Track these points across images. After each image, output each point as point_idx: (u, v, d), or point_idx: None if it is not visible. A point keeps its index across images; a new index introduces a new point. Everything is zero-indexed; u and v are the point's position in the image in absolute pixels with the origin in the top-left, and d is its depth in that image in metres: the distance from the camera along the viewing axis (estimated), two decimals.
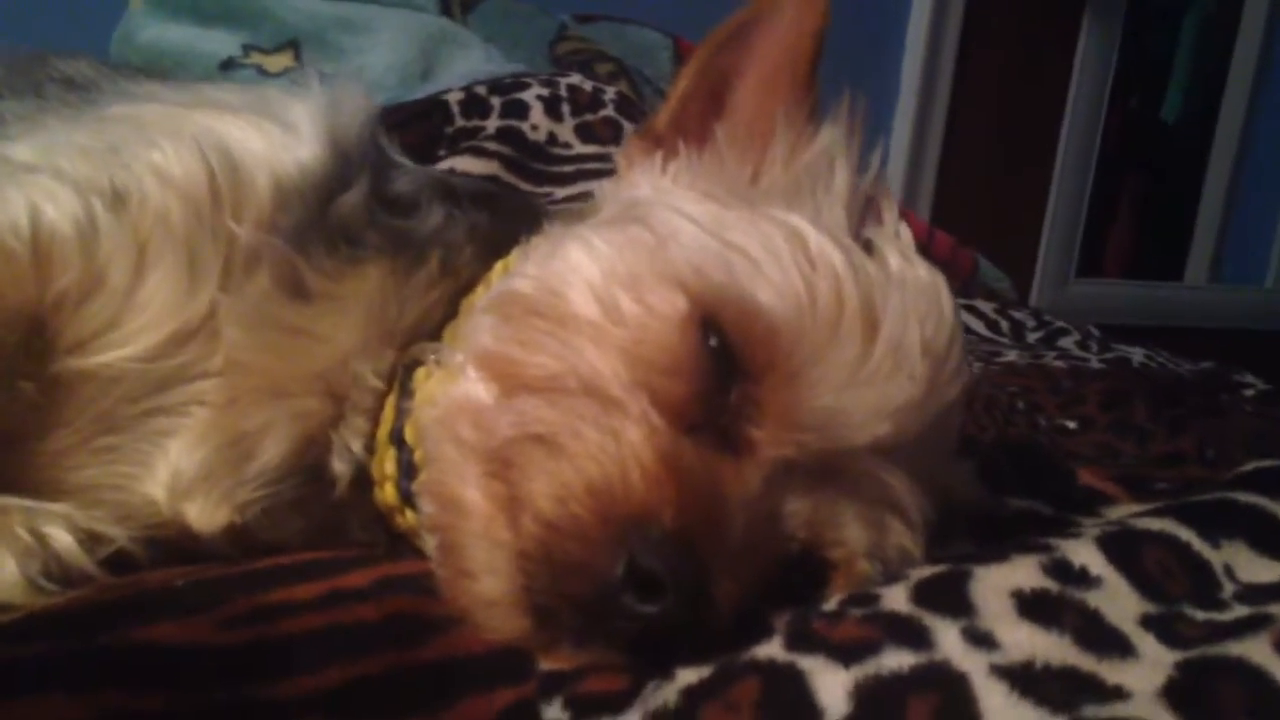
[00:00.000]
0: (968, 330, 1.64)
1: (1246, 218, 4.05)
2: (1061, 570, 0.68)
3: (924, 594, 0.67)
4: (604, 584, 0.61)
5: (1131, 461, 1.08)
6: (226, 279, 0.78)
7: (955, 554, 0.73)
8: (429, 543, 0.72)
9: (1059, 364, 1.45)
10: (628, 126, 1.73)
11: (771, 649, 0.63)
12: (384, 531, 0.81)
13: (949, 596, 0.66)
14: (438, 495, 0.71)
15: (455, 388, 0.74)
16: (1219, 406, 1.31)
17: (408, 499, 0.78)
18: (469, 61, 2.09)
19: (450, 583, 0.68)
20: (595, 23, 2.50)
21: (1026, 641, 0.61)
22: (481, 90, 1.72)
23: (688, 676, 0.61)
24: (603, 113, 1.73)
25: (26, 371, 0.74)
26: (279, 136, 0.83)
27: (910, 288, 0.73)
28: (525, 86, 1.75)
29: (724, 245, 0.72)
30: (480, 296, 0.80)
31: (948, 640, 0.61)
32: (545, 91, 1.73)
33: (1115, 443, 1.13)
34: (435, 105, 1.69)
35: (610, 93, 1.78)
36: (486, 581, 0.65)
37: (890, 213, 0.79)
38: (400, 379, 0.81)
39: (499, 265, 0.83)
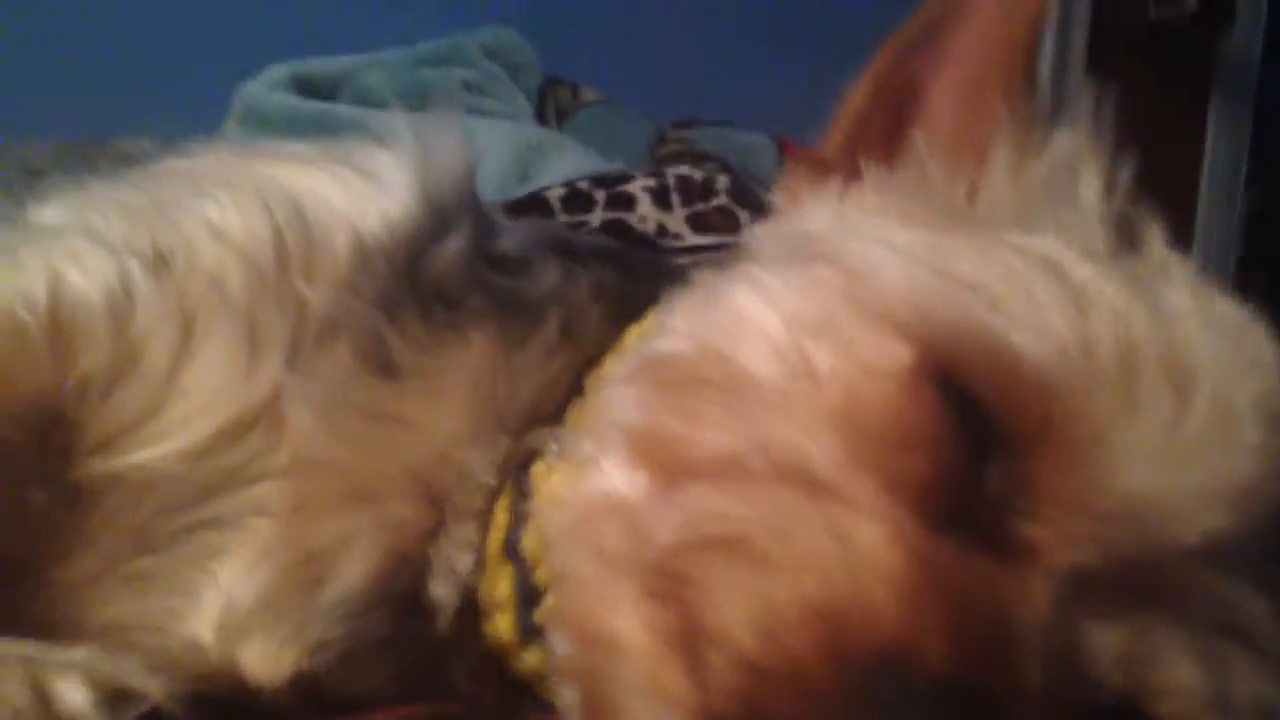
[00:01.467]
0: None
1: None
2: None
3: None
4: None
5: None
6: (295, 356, 0.60)
7: None
8: (564, 696, 0.51)
9: None
10: (744, 215, 1.55)
11: None
12: (497, 677, 0.60)
13: None
14: (577, 628, 0.50)
15: (590, 483, 0.54)
16: None
17: (529, 634, 0.57)
18: (567, 164, 1.95)
19: None
20: (695, 128, 2.37)
21: None
22: (584, 185, 1.57)
23: None
24: (715, 201, 1.56)
25: (41, 477, 0.57)
26: (360, 186, 0.67)
27: (1217, 330, 0.51)
28: (630, 179, 1.59)
29: (948, 279, 0.52)
30: (613, 367, 0.61)
31: None
32: (652, 183, 1.57)
33: None
34: (535, 202, 1.53)
35: (722, 181, 1.61)
36: None
37: (1156, 238, 0.58)
38: (515, 476, 0.61)
39: (634, 330, 0.64)
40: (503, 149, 1.98)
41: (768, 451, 0.48)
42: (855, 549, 0.43)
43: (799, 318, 0.53)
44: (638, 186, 1.58)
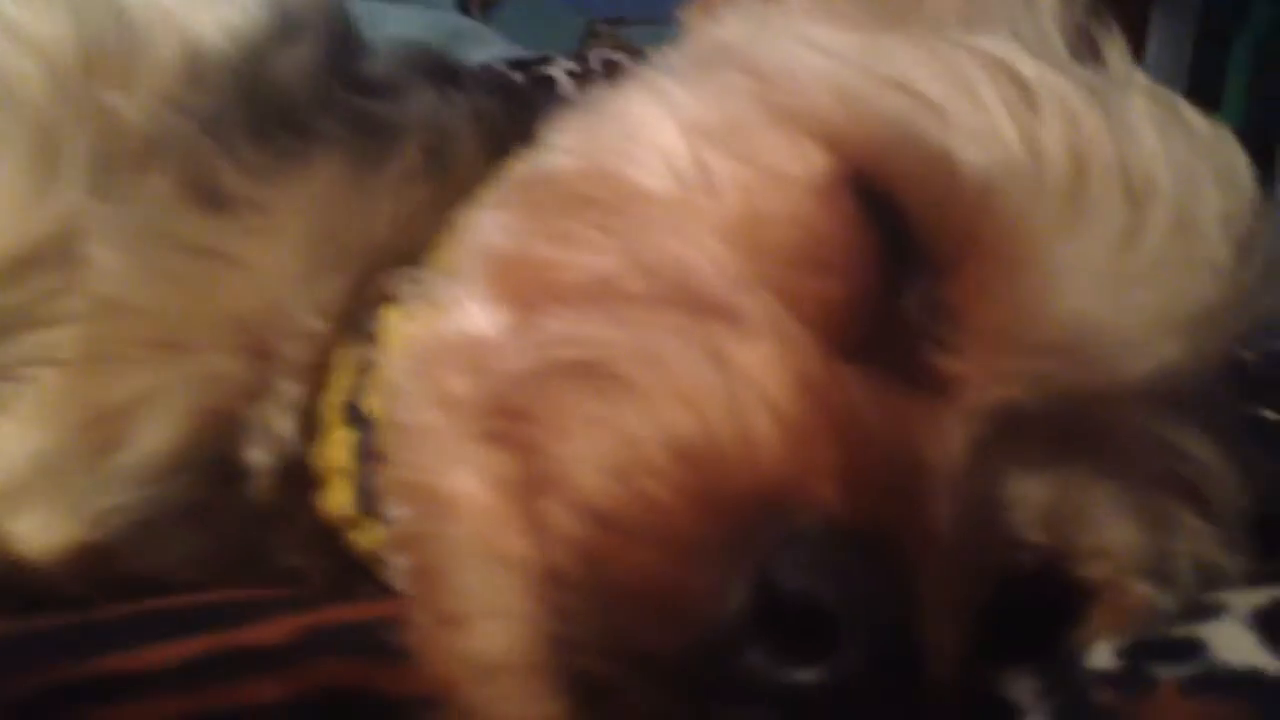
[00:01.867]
0: None
1: None
2: None
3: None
4: (708, 629, 0.30)
5: None
6: (104, 180, 0.50)
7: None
8: (399, 570, 0.43)
9: None
10: None
11: None
12: (330, 557, 0.51)
13: None
14: (413, 488, 0.41)
15: (444, 323, 0.45)
16: None
17: (369, 507, 0.48)
18: (488, 54, 1.84)
19: (426, 635, 0.37)
20: (628, 25, 2.26)
21: None
22: (500, 68, 1.45)
23: None
24: None
25: None
26: None
27: (1183, 141, 0.43)
28: (551, 61, 1.49)
29: (877, 79, 0.42)
30: (487, 196, 0.51)
31: None
32: (575, 66, 1.46)
33: None
34: None
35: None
36: (485, 630, 0.35)
37: (1119, 55, 0.49)
38: (361, 324, 0.51)
39: (519, 162, 0.54)
40: (417, 36, 1.87)
41: (650, 271, 0.39)
42: (738, 375, 0.34)
43: (699, 124, 0.43)
44: (559, 69, 1.47)
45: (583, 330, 0.38)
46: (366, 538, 0.49)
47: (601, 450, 0.34)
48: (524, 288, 0.42)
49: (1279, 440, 0.67)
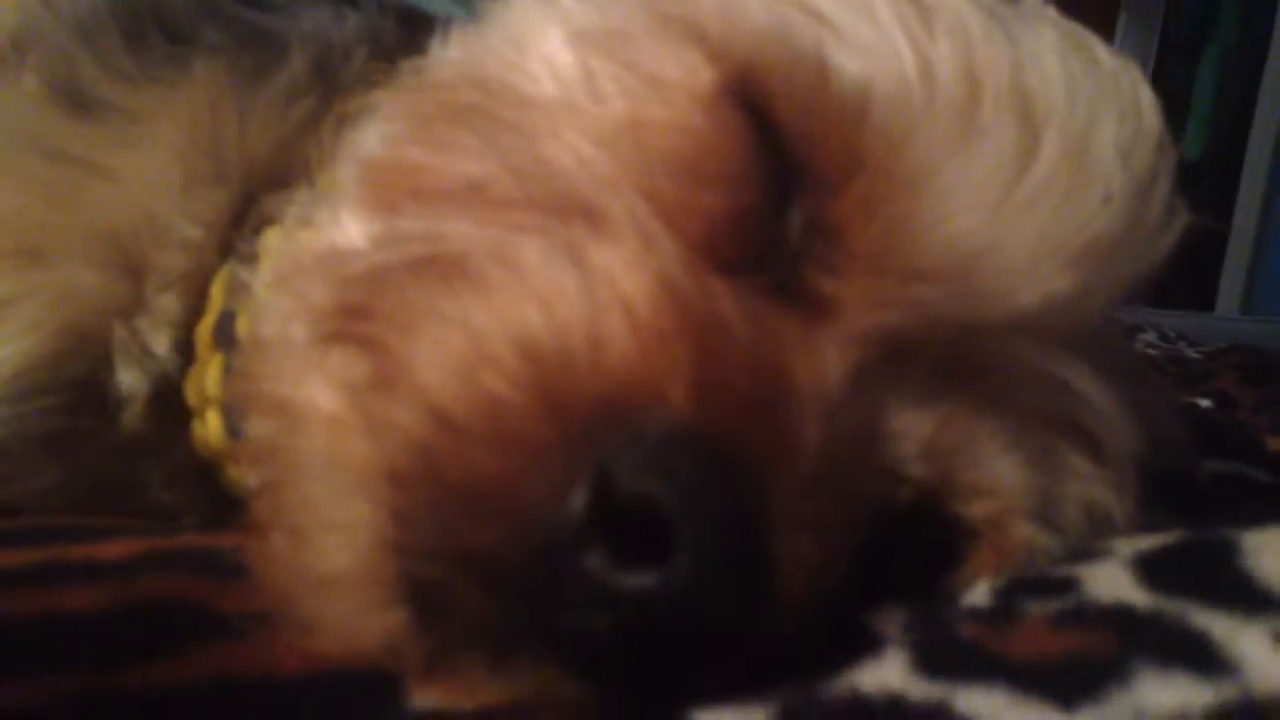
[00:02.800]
0: None
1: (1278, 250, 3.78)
2: None
3: (1164, 573, 0.35)
4: (544, 529, 0.29)
5: None
6: None
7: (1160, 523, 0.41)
8: (247, 483, 0.41)
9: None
10: None
11: (890, 671, 0.31)
12: (205, 492, 0.49)
13: (1215, 577, 0.34)
14: (266, 401, 0.39)
15: (317, 237, 0.43)
16: None
17: (239, 433, 0.46)
18: None
19: (268, 550, 0.35)
20: None
21: None
22: None
23: None
24: None
25: None
26: None
27: (1089, 74, 0.41)
28: None
29: None
30: (374, 107, 0.49)
31: (1256, 653, 0.30)
32: None
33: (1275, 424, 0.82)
34: None
35: None
36: (325, 542, 0.33)
37: None
38: (240, 244, 0.49)
39: (409, 72, 0.51)
40: None
41: (520, 175, 0.37)
42: (595, 275, 0.32)
43: (586, 32, 0.42)
44: None
45: (438, 227, 0.36)
46: (240, 471, 0.47)
47: (447, 346, 0.32)
48: (393, 193, 0.40)
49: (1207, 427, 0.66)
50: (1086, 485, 0.40)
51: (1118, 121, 0.40)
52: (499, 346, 0.31)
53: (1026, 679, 0.29)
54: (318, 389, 0.35)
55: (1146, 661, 0.29)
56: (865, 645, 0.33)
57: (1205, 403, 0.88)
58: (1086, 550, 0.39)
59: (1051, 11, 0.46)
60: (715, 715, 0.29)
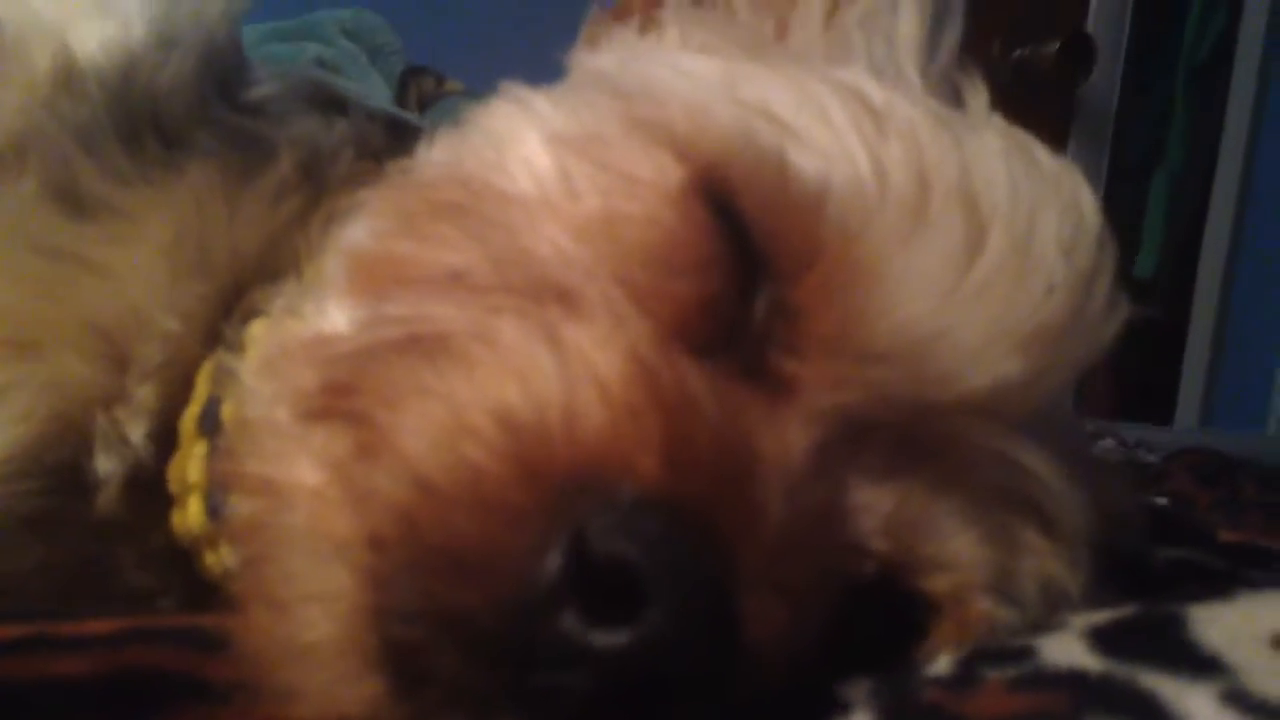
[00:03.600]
0: None
1: (1237, 363, 3.86)
2: None
3: (1115, 641, 0.36)
4: (521, 591, 0.30)
5: (1268, 528, 0.78)
6: None
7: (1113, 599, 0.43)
8: (231, 565, 0.42)
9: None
10: None
11: None
12: (182, 577, 0.49)
13: (1166, 644, 0.35)
14: (250, 481, 0.40)
15: (303, 327, 0.45)
16: None
17: (222, 523, 0.47)
18: None
19: (249, 622, 0.36)
20: None
21: None
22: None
23: None
24: None
25: None
26: (82, 5, 0.56)
27: (1032, 175, 0.45)
28: None
29: (734, 100, 0.44)
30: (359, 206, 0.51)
31: (1199, 710, 0.31)
32: None
33: (1230, 522, 0.84)
34: None
35: None
36: (306, 613, 0.34)
37: (978, 99, 0.51)
38: (227, 334, 0.51)
39: (395, 172, 0.54)
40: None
41: (499, 263, 0.40)
42: (571, 353, 0.35)
43: (562, 135, 0.45)
44: None
45: (421, 310, 0.38)
46: (220, 558, 0.48)
47: (429, 418, 0.34)
48: (379, 282, 0.42)
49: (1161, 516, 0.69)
50: (1041, 560, 0.41)
51: (1059, 218, 0.43)
52: (479, 418, 0.33)
53: None
54: (301, 466, 0.37)
55: (1097, 717, 0.30)
56: (834, 710, 0.34)
57: (1162, 501, 0.90)
58: (1043, 624, 0.40)
59: (997, 119, 0.50)
60: None
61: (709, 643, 0.30)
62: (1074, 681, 0.33)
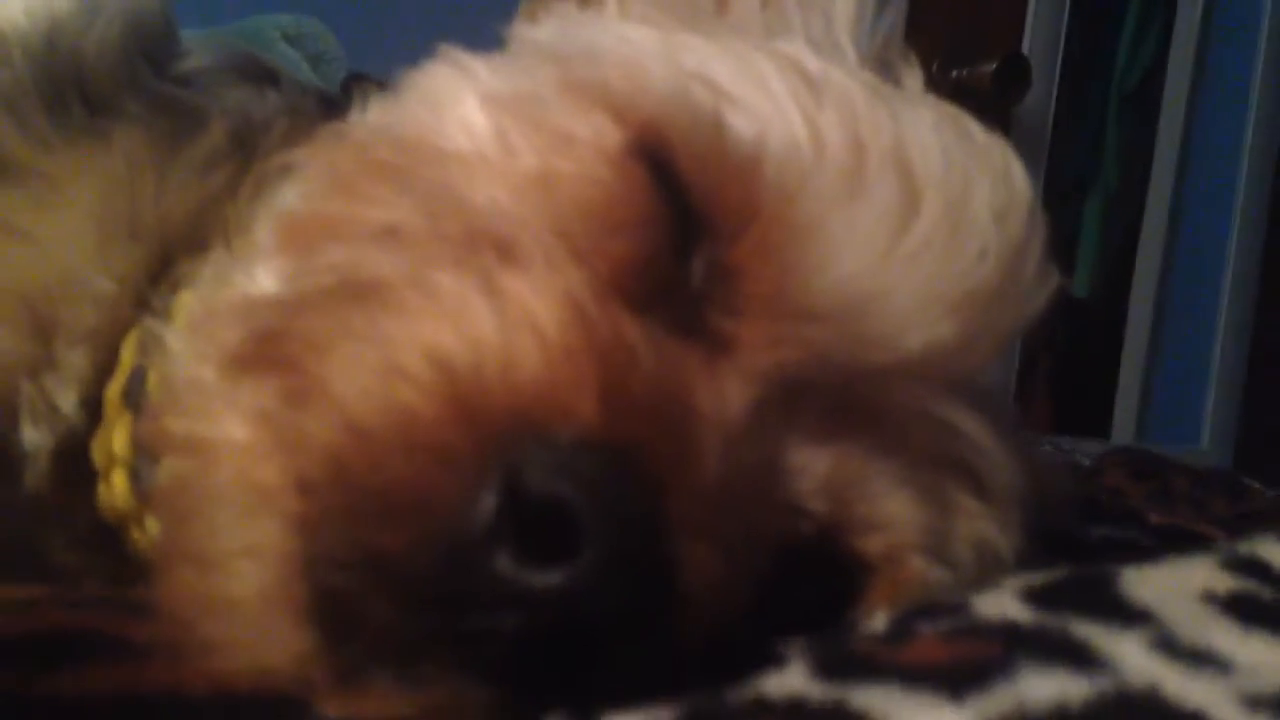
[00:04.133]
0: None
1: (1171, 380, 3.95)
2: (1259, 570, 0.39)
3: (1050, 597, 0.37)
4: (454, 532, 0.30)
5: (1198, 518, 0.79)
6: None
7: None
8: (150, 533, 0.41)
9: None
10: None
11: (791, 678, 0.32)
12: (109, 556, 0.48)
13: (1097, 598, 0.36)
14: (174, 440, 0.39)
15: (230, 290, 0.44)
16: None
17: (148, 496, 0.46)
18: None
19: (172, 579, 0.35)
20: None
21: (1271, 658, 0.32)
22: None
23: None
24: None
25: None
26: None
27: (959, 140, 0.45)
28: None
29: (672, 66, 0.44)
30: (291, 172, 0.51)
31: (1130, 655, 0.31)
32: None
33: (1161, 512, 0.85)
34: None
35: None
36: (233, 567, 0.34)
37: (914, 80, 0.52)
38: (155, 302, 0.50)
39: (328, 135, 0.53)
40: None
41: (435, 217, 0.39)
42: (506, 298, 0.34)
43: (499, 96, 0.44)
44: None
45: (354, 257, 0.38)
46: (148, 534, 0.47)
47: (361, 362, 0.33)
48: (309, 240, 0.41)
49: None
50: (974, 522, 0.42)
51: (991, 187, 0.44)
52: (412, 360, 0.32)
53: (917, 678, 0.30)
54: (228, 421, 0.36)
55: (1030, 662, 0.31)
56: (770, 660, 0.34)
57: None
58: (977, 585, 0.40)
59: (930, 98, 0.51)
60: (622, 719, 0.30)
61: (643, 583, 0.30)
62: (1007, 631, 0.34)
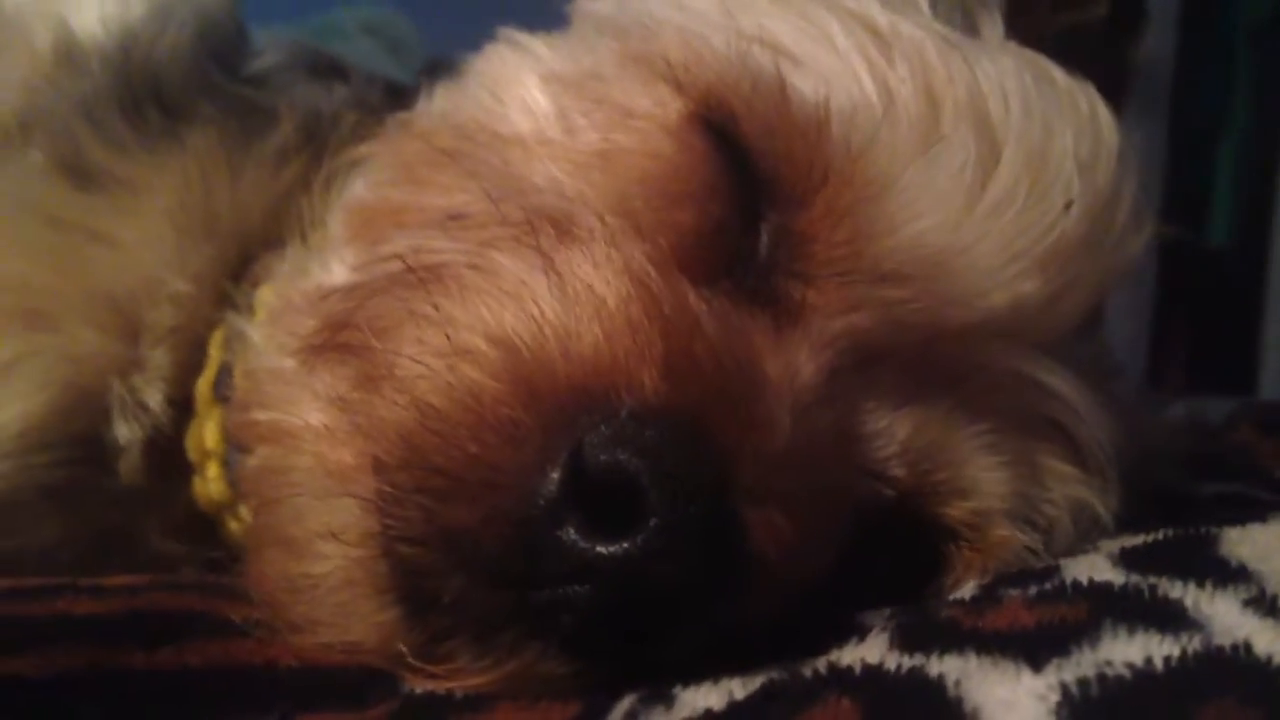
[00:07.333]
0: None
1: None
2: None
3: (1145, 559, 0.37)
4: (522, 506, 0.31)
5: None
6: None
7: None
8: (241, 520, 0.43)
9: None
10: None
11: (870, 649, 0.33)
12: (204, 544, 0.51)
13: (1194, 558, 0.36)
14: (259, 429, 0.42)
15: (305, 282, 0.46)
16: None
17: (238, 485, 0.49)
18: None
19: (263, 565, 0.38)
20: None
21: None
22: None
23: (699, 699, 0.31)
24: None
25: None
26: None
27: (1047, 94, 0.45)
28: None
29: (733, 31, 0.45)
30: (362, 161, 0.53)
31: (1221, 614, 0.31)
32: None
33: None
34: None
35: None
36: (317, 550, 0.36)
37: (993, 28, 0.52)
38: (237, 298, 0.52)
39: (394, 126, 0.56)
40: None
41: (496, 200, 0.41)
42: (566, 275, 0.36)
43: (559, 75, 0.46)
44: None
45: (418, 245, 0.40)
46: (243, 523, 0.50)
47: (427, 343, 0.35)
48: (377, 229, 0.43)
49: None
50: (1069, 486, 0.42)
51: (1075, 136, 0.43)
52: (477, 340, 0.34)
53: (998, 645, 0.31)
54: (306, 407, 0.38)
55: (1116, 625, 0.31)
56: (850, 632, 0.35)
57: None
58: (1063, 551, 0.41)
59: (1011, 45, 0.50)
60: (697, 690, 0.31)
61: (710, 547, 0.31)
62: (1097, 593, 0.34)
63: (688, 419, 0.32)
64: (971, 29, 0.51)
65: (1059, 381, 0.42)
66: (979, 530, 0.41)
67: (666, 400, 0.32)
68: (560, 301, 0.35)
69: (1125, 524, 0.43)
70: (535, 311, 0.34)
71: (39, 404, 0.49)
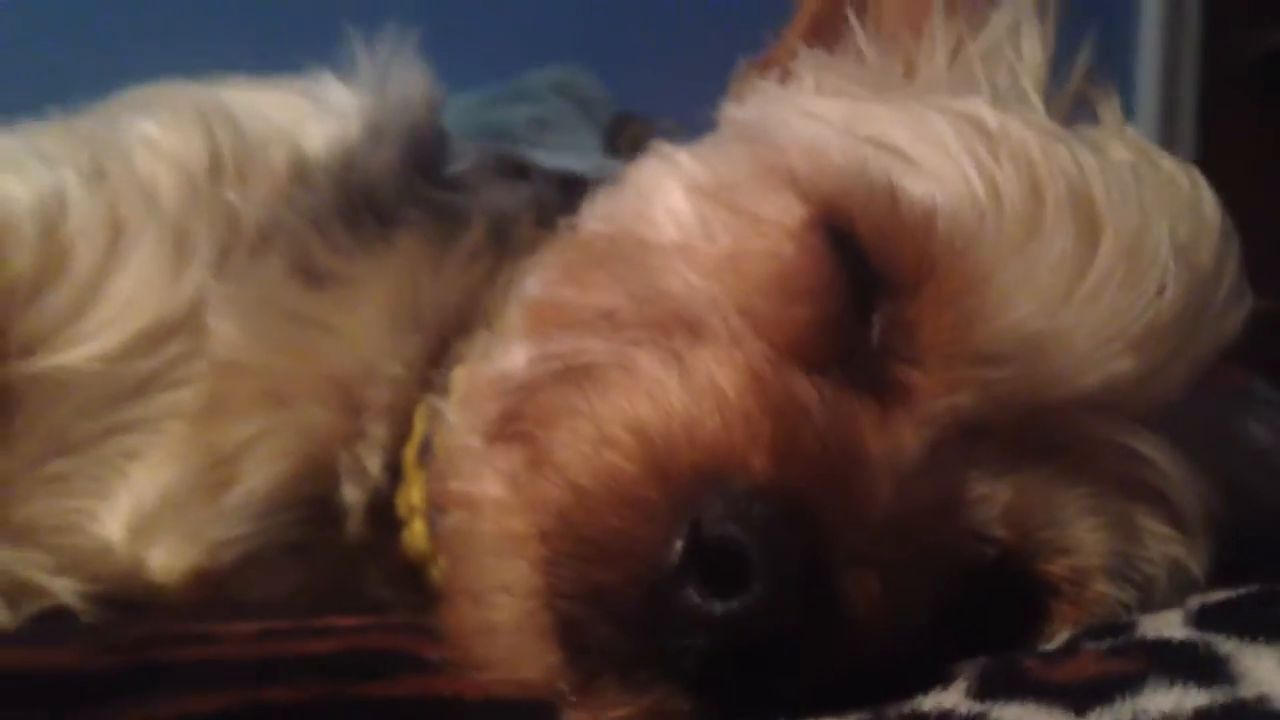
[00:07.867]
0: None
1: None
2: None
3: (1216, 615, 0.41)
4: (653, 570, 0.39)
5: None
6: (224, 263, 0.63)
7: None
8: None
9: None
10: None
11: (950, 695, 0.39)
12: (413, 590, 0.61)
13: (1256, 617, 0.40)
14: (453, 497, 0.51)
15: (490, 366, 0.56)
16: None
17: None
18: None
19: (454, 611, 0.47)
20: None
21: None
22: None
23: None
24: None
25: None
26: (306, 108, 0.70)
27: (1148, 182, 0.50)
28: None
29: (853, 137, 0.52)
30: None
31: (1261, 669, 0.36)
32: None
33: None
34: None
35: None
36: (496, 601, 0.44)
37: (1111, 113, 0.57)
38: (436, 380, 0.62)
39: (563, 228, 0.65)
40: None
41: (642, 302, 0.49)
42: (694, 373, 0.43)
43: (701, 185, 0.54)
44: None
45: (575, 345, 0.48)
46: (443, 570, 0.59)
47: (578, 433, 0.43)
48: (545, 324, 0.52)
49: None
50: (1165, 546, 0.46)
51: (1174, 219, 0.48)
52: (617, 430, 0.42)
53: (1056, 695, 0.36)
54: (487, 481, 0.47)
55: (1160, 677, 0.36)
56: (944, 678, 0.41)
57: None
58: (1166, 605, 0.45)
59: (1128, 131, 0.55)
60: None
61: (803, 608, 0.38)
62: (1156, 649, 0.39)
63: (789, 495, 0.39)
64: (1091, 115, 0.57)
65: (1154, 450, 0.46)
66: (1078, 585, 0.46)
67: (772, 480, 0.40)
68: (688, 394, 0.42)
69: (1218, 580, 0.47)
70: (666, 404, 0.42)
71: (281, 471, 0.60)
